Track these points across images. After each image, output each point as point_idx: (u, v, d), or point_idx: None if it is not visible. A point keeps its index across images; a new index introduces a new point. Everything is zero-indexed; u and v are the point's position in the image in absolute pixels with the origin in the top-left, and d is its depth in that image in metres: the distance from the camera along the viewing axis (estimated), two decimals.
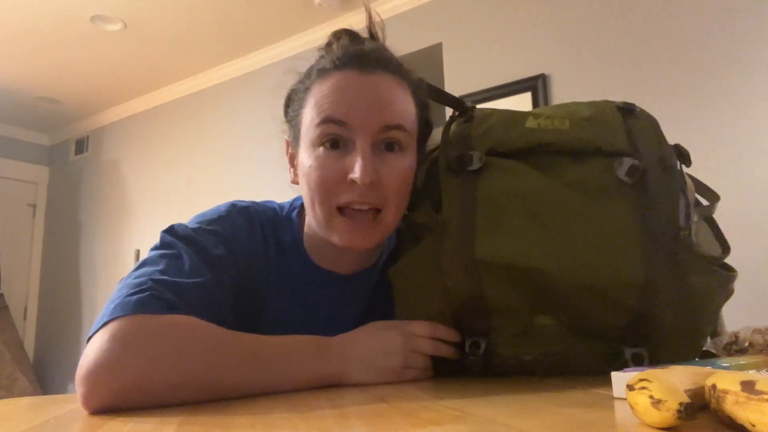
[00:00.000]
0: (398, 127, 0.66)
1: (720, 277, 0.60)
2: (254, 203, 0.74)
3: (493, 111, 0.67)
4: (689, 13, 2.04)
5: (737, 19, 1.94)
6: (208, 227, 0.66)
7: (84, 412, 0.48)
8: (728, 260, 0.64)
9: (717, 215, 0.69)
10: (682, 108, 1.99)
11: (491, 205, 0.60)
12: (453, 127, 0.67)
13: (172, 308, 0.54)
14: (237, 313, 0.65)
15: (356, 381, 0.60)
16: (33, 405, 0.59)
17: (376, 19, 0.75)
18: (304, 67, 0.73)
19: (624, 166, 0.59)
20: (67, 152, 4.59)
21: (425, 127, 0.74)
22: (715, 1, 1.99)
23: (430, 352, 0.64)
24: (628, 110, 0.65)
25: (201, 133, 3.65)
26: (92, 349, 0.49)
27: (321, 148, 0.65)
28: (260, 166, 3.09)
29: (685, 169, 0.65)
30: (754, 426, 0.27)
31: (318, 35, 3.17)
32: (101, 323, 0.51)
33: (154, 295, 0.54)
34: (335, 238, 0.66)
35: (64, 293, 4.29)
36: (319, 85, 0.67)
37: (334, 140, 0.65)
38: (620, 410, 0.38)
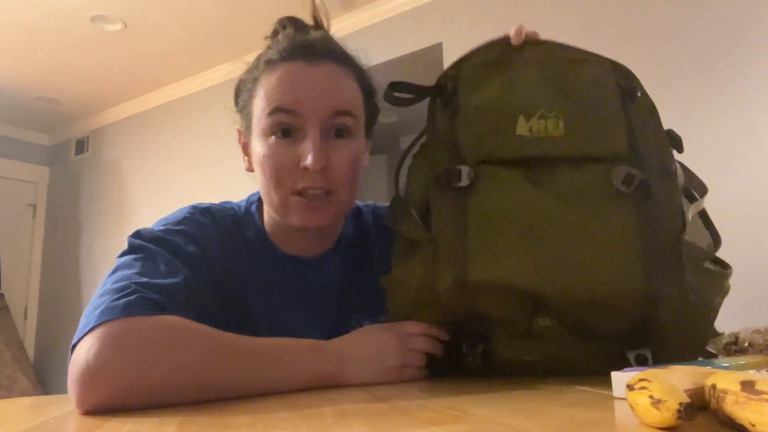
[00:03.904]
0: (346, 113, 0.69)
1: (716, 276, 0.60)
2: (213, 204, 0.76)
3: (481, 103, 0.62)
4: (691, 4, 2.04)
5: (740, 7, 1.94)
6: (176, 227, 0.67)
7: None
8: (730, 259, 0.64)
9: (719, 214, 0.69)
10: (683, 103, 1.99)
11: (483, 223, 0.58)
12: (438, 117, 0.64)
13: (161, 309, 0.53)
14: (222, 317, 0.65)
15: (355, 382, 0.60)
16: (33, 405, 0.59)
17: (321, 7, 0.77)
18: (250, 58, 0.75)
19: (620, 174, 0.57)
20: (67, 152, 4.58)
21: (372, 111, 0.76)
22: None
23: (427, 350, 0.64)
24: (629, 94, 0.62)
25: (201, 132, 3.65)
26: (83, 352, 0.49)
27: (273, 138, 0.68)
28: None
29: (676, 156, 0.63)
30: (753, 426, 0.27)
31: None
32: (87, 329, 0.50)
33: (142, 297, 0.53)
34: (293, 219, 0.69)
35: (65, 293, 4.29)
36: (268, 76, 0.69)
37: (286, 130, 0.67)
38: (620, 410, 0.38)
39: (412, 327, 0.64)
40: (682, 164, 0.65)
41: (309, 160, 0.65)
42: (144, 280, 0.56)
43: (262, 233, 0.75)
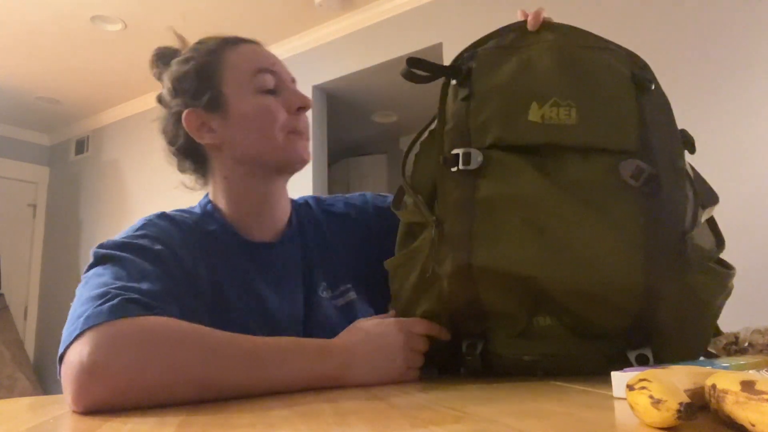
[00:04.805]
0: (293, 81, 0.83)
1: (720, 275, 0.59)
2: (168, 211, 0.77)
3: (494, 86, 0.62)
4: (695, 10, 2.04)
5: (744, 14, 1.94)
6: (137, 233, 0.67)
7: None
8: (730, 259, 0.64)
9: (719, 214, 0.69)
10: (685, 103, 1.99)
11: (489, 210, 0.58)
12: (449, 101, 0.64)
13: (147, 309, 0.53)
14: (203, 309, 0.66)
15: (358, 382, 0.59)
16: (33, 405, 0.59)
17: (185, 38, 0.85)
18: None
19: (629, 168, 0.57)
20: (67, 152, 4.58)
21: None
22: None
23: (425, 350, 0.64)
24: (643, 86, 0.62)
25: None
26: (75, 354, 0.48)
27: (262, 94, 0.77)
28: None
29: (688, 157, 0.63)
30: (754, 426, 0.27)
31: (318, 35, 3.17)
32: (74, 336, 0.50)
33: (125, 299, 0.53)
34: (294, 155, 0.78)
35: (65, 293, 4.28)
36: (232, 51, 0.78)
37: (271, 88, 0.77)
38: (620, 410, 0.38)
39: (418, 326, 0.64)
40: (695, 170, 0.65)
41: (305, 100, 0.79)
42: (120, 283, 0.56)
43: (225, 225, 0.77)
